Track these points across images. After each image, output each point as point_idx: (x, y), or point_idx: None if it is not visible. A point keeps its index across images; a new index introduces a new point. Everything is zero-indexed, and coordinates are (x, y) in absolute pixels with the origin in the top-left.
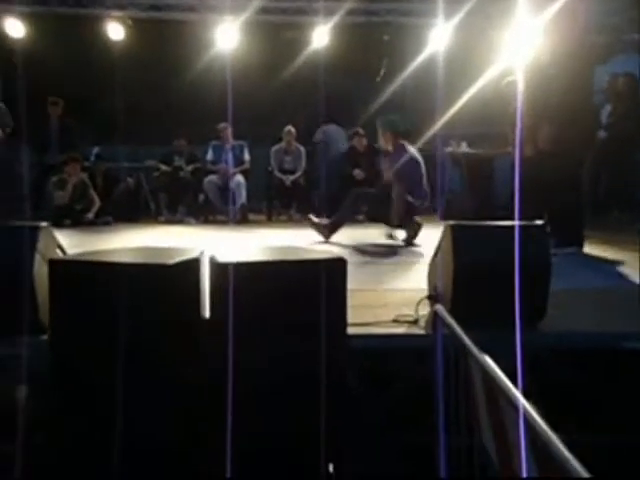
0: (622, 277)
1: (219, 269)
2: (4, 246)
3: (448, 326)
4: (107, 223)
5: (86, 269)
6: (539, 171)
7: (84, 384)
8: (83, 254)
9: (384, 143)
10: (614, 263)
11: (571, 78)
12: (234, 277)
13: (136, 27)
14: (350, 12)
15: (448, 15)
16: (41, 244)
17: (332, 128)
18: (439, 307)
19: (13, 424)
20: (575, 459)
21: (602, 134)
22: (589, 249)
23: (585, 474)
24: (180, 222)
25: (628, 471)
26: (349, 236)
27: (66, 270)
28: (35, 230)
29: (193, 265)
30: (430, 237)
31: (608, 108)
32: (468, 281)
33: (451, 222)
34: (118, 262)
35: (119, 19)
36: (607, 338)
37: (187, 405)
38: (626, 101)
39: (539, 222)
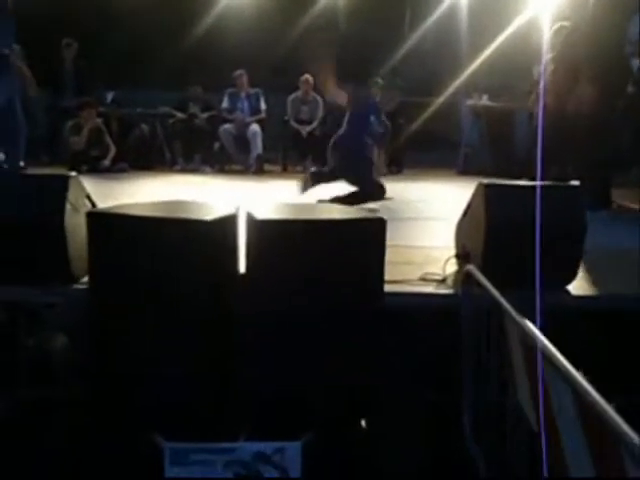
0: None
1: (257, 226)
2: (35, 195)
3: (480, 286)
4: (123, 170)
5: (126, 222)
6: (568, 128)
7: (121, 334)
8: (119, 207)
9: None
10: (638, 222)
11: (605, 28)
12: (273, 235)
13: None
14: None
15: None
16: (71, 194)
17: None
18: (471, 267)
19: (51, 371)
20: (627, 424)
21: (630, 89)
22: (614, 206)
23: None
24: (195, 171)
25: None
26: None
27: (105, 223)
28: (65, 180)
29: (230, 221)
30: (441, 192)
31: (637, 62)
32: (500, 241)
33: (484, 181)
34: (158, 217)
35: None
36: (634, 302)
37: (219, 357)
38: None
39: (575, 183)
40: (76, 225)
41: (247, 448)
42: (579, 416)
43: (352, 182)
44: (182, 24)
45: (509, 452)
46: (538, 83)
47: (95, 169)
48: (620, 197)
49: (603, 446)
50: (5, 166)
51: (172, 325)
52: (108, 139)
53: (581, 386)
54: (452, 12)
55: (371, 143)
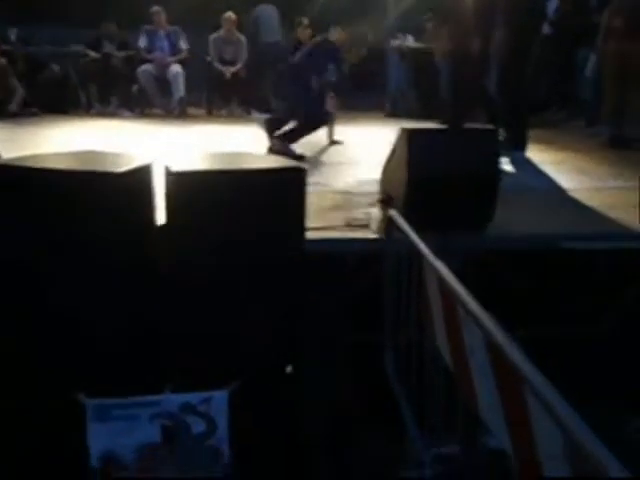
0: (561, 177)
1: (173, 178)
2: None
3: (402, 231)
4: (34, 114)
5: (30, 175)
6: (482, 71)
7: (32, 293)
8: (22, 158)
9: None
10: (553, 164)
11: None
12: (189, 187)
13: None
14: None
15: None
16: None
17: (267, 9)
18: (393, 212)
19: None
20: (530, 363)
21: (547, 29)
22: (530, 148)
23: (541, 378)
24: (114, 115)
25: (565, 359)
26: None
27: (7, 176)
28: None
29: (144, 173)
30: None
31: (555, 2)
32: (421, 186)
33: (406, 127)
34: (65, 169)
35: None
36: (548, 239)
37: (140, 311)
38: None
39: (490, 127)
40: None
41: (173, 400)
42: (489, 357)
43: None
44: None
45: (427, 390)
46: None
47: (0, 114)
48: (536, 138)
49: (509, 384)
50: None
51: (88, 280)
52: (14, 81)
53: (490, 329)
54: None
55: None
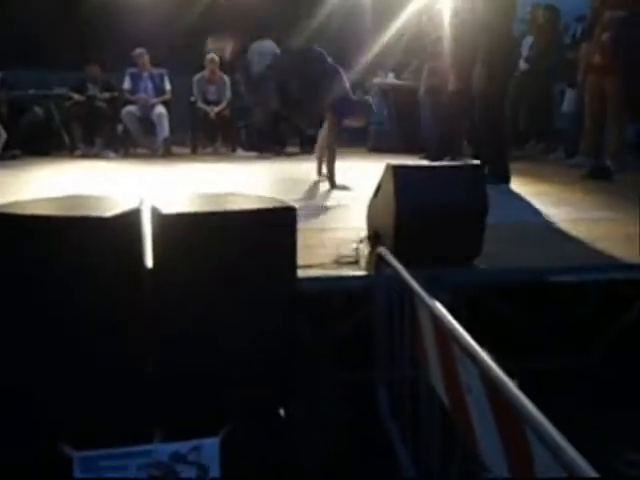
0: (545, 209)
1: (162, 220)
2: None
3: (392, 267)
4: (14, 157)
5: (13, 223)
6: (463, 107)
7: (15, 345)
8: (4, 205)
9: None
10: (536, 196)
11: (492, 11)
12: (179, 228)
13: None
14: None
15: None
16: None
17: (267, 45)
18: (382, 249)
19: None
20: (529, 401)
21: (523, 65)
22: (513, 181)
23: (541, 416)
24: (98, 156)
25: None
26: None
27: None
28: None
29: (134, 216)
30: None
31: (529, 39)
32: (409, 222)
33: (392, 163)
34: (51, 215)
35: None
36: (536, 273)
37: (127, 358)
38: (547, 34)
39: (476, 162)
40: None
41: (162, 449)
42: (486, 395)
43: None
44: None
45: (423, 429)
46: (430, 59)
47: None
48: (518, 171)
49: (510, 423)
50: None
51: (73, 329)
52: None
53: (487, 365)
54: None
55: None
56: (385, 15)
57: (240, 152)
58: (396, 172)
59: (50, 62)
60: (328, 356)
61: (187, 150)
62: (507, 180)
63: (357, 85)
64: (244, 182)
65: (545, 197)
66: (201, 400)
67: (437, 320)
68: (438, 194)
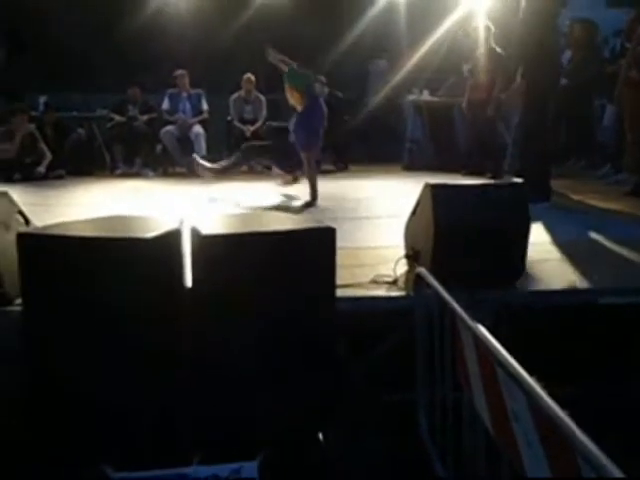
0: (590, 228)
1: (202, 241)
2: None
3: (432, 288)
4: (60, 177)
5: (61, 244)
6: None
7: (60, 362)
8: (53, 226)
9: (291, 100)
10: (580, 214)
11: (534, 26)
12: (218, 249)
13: None
14: None
15: None
16: (0, 211)
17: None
18: (422, 269)
19: None
20: (581, 431)
21: (562, 80)
22: (554, 198)
23: (595, 449)
24: (137, 175)
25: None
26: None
27: (37, 244)
28: None
29: (174, 237)
30: (388, 189)
31: (568, 54)
32: (448, 241)
33: (430, 182)
34: (96, 237)
35: None
36: (584, 294)
37: (168, 379)
38: (584, 48)
39: (519, 180)
40: (7, 244)
41: (201, 472)
42: (535, 425)
43: None
44: (117, 24)
45: (466, 451)
46: (467, 79)
47: (29, 177)
48: (559, 188)
49: (561, 455)
50: None
51: (116, 349)
52: (42, 145)
53: (536, 395)
54: (390, 7)
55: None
56: (420, 32)
57: (276, 170)
58: (434, 191)
59: (92, 85)
60: (366, 377)
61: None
62: (548, 198)
63: (391, 102)
64: (281, 200)
65: (589, 215)
66: (240, 423)
67: (481, 344)
68: (478, 213)
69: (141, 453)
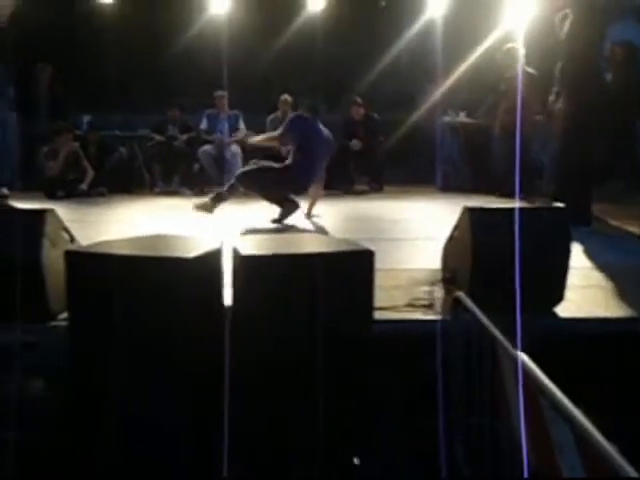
0: (630, 254)
1: (243, 261)
2: (11, 231)
3: (470, 313)
4: (101, 194)
5: (106, 262)
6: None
7: (103, 379)
8: (98, 244)
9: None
10: (621, 239)
11: (581, 45)
12: (258, 269)
13: None
14: None
15: None
16: (48, 228)
17: None
18: (460, 294)
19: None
20: (624, 459)
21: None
22: (594, 222)
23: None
24: (175, 193)
25: None
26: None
27: (83, 262)
28: (42, 214)
29: (215, 257)
30: (423, 210)
31: (609, 76)
32: (487, 265)
33: (469, 205)
34: (139, 255)
35: None
36: (623, 323)
37: (207, 398)
38: (625, 71)
39: (559, 205)
40: (53, 260)
41: None
42: (583, 460)
43: None
44: (159, 46)
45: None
46: (504, 98)
47: (72, 194)
48: (599, 212)
49: None
50: None
51: (158, 367)
52: (85, 163)
53: (583, 428)
54: (427, 29)
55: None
56: (456, 52)
57: (310, 189)
58: (474, 214)
59: (134, 105)
60: (400, 402)
61: None
62: (589, 222)
63: (426, 122)
64: (314, 220)
65: (631, 241)
66: (276, 442)
67: (523, 373)
68: (517, 237)
69: (179, 473)
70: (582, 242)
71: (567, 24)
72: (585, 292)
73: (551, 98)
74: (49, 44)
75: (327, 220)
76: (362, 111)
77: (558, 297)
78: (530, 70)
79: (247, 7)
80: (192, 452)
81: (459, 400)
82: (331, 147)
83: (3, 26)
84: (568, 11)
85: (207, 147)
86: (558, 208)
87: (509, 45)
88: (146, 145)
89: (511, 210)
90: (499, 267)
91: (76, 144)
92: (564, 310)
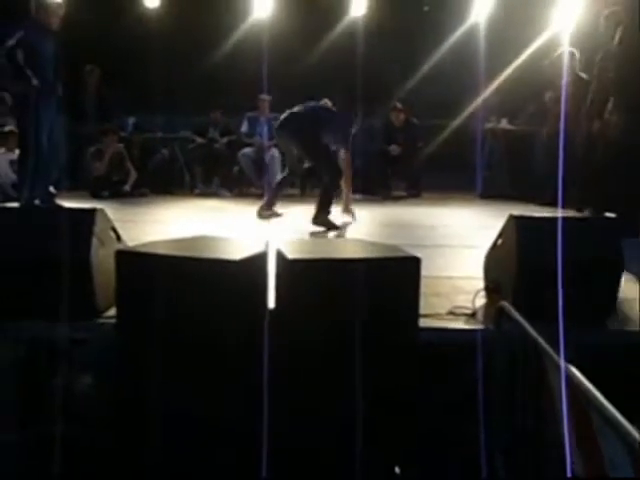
0: None
1: (289, 265)
2: (62, 230)
3: (515, 322)
4: (143, 195)
5: (153, 262)
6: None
7: (149, 377)
8: (147, 245)
9: None
10: None
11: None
12: (304, 273)
13: None
14: None
15: None
16: (97, 227)
17: None
18: (505, 303)
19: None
20: None
21: None
22: None
23: None
24: (214, 195)
25: None
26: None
27: (133, 261)
28: (92, 213)
29: (260, 259)
30: (463, 217)
31: None
32: (532, 275)
33: (515, 214)
34: (184, 256)
35: None
36: None
37: (250, 399)
38: None
39: (611, 215)
40: (102, 258)
41: None
42: (636, 474)
43: None
44: (202, 50)
45: None
46: (551, 106)
47: (116, 194)
48: None
49: None
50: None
51: (201, 367)
52: (129, 164)
53: (638, 445)
54: (470, 34)
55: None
56: (499, 58)
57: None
58: (519, 223)
59: (177, 108)
60: (440, 412)
61: (296, 191)
62: (637, 233)
63: (466, 128)
64: (352, 225)
65: None
66: (314, 453)
67: (573, 386)
68: (565, 248)
69: (224, 476)
70: (629, 253)
71: (619, 29)
72: (635, 305)
73: (610, 106)
74: (97, 48)
75: (365, 225)
76: (402, 116)
77: (608, 309)
78: (583, 75)
79: (289, 11)
80: (232, 452)
81: (502, 410)
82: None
83: (56, 30)
84: (614, 10)
85: (247, 150)
86: (608, 219)
87: (559, 50)
88: (187, 147)
89: (557, 219)
90: (545, 277)
91: (121, 145)
92: (614, 322)
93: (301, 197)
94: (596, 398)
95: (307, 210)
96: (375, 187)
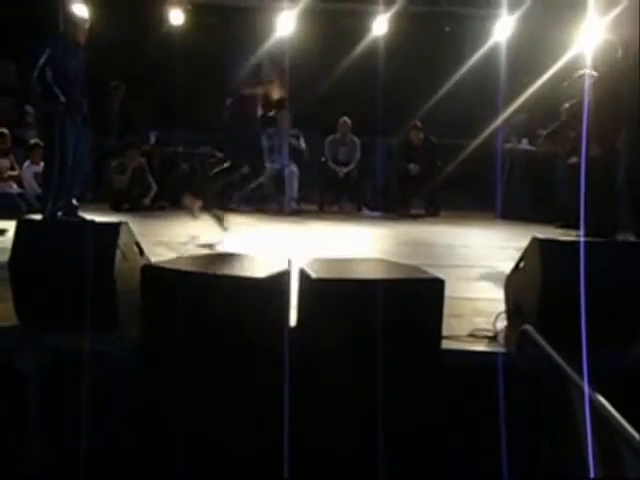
0: None
1: (312, 284)
2: (87, 243)
3: (539, 347)
4: (162, 208)
5: (177, 277)
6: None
7: (171, 392)
8: (172, 261)
9: None
10: None
11: None
12: (327, 292)
13: (196, 12)
14: (411, 1)
15: (512, 6)
16: (121, 241)
17: None
18: (528, 327)
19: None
20: None
21: None
22: None
23: None
24: (234, 209)
25: None
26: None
27: (158, 277)
28: (117, 227)
29: (284, 277)
30: (482, 237)
31: None
32: (556, 299)
33: (539, 236)
34: (208, 273)
35: (179, 4)
36: None
37: (267, 414)
38: None
39: (636, 240)
40: (124, 272)
41: None
42: None
43: None
44: (222, 69)
45: None
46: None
47: (136, 207)
48: None
49: None
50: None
51: (223, 383)
52: (150, 178)
53: None
54: (490, 55)
55: None
56: (519, 79)
57: (365, 211)
58: (544, 246)
59: (197, 124)
60: (459, 437)
61: (314, 207)
62: None
63: (485, 148)
64: (370, 243)
65: None
66: (334, 467)
67: (600, 416)
68: (591, 272)
69: None
70: None
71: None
72: None
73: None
74: (123, 64)
75: (383, 244)
76: (421, 135)
77: (635, 334)
78: None
79: (310, 30)
80: (253, 475)
81: (522, 437)
82: None
83: (83, 45)
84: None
85: (266, 165)
86: (635, 243)
87: (580, 72)
88: (207, 162)
89: (584, 243)
90: (570, 302)
91: (143, 159)
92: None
93: (318, 213)
94: (625, 429)
95: (326, 227)
96: (393, 205)
